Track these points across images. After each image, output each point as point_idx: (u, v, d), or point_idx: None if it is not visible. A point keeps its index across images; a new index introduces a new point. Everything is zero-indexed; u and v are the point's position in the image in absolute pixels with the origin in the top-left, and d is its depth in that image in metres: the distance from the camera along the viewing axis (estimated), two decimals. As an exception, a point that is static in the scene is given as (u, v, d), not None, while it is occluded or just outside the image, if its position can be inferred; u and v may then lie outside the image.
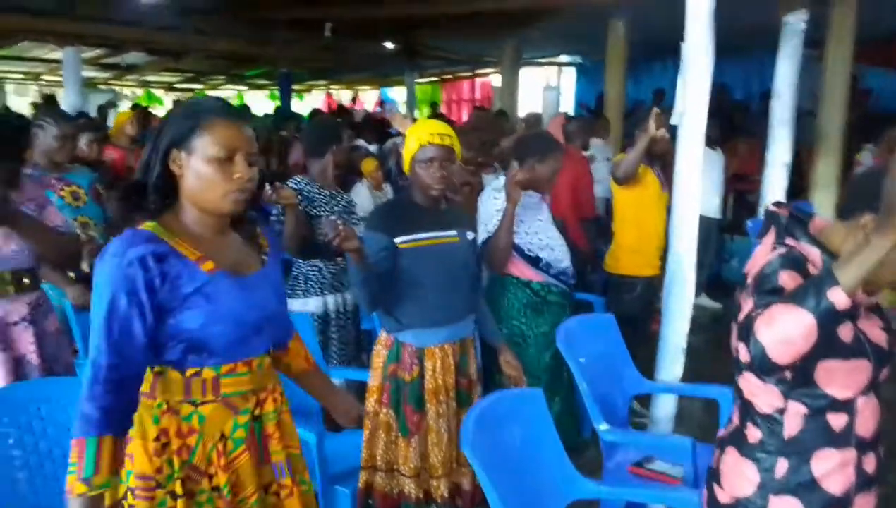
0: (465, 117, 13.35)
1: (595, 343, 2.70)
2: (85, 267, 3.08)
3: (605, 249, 3.76)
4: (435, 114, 10.39)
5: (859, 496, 1.41)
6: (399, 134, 6.49)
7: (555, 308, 2.89)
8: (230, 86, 16.24)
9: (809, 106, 6.16)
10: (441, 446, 2.21)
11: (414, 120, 8.50)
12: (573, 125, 4.60)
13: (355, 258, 2.02)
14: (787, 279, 1.31)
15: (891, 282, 1.37)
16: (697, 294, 5.45)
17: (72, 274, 2.90)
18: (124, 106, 11.31)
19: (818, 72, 5.66)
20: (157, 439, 1.40)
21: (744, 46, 9.57)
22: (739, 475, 1.47)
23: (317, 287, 3.10)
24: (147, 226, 1.39)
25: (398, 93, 15.12)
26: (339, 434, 2.61)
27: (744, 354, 1.24)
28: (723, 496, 1.50)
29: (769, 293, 1.28)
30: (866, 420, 1.40)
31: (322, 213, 3.07)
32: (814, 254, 1.38)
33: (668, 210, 3.17)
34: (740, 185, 6.64)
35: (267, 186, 2.80)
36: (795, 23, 4.80)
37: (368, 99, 17.07)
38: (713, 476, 1.55)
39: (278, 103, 13.10)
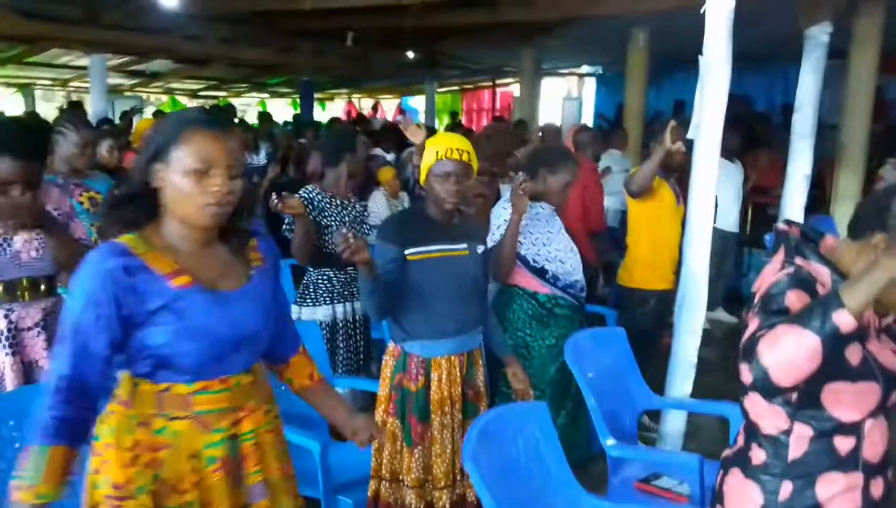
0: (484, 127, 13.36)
1: (604, 357, 2.68)
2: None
3: (620, 262, 3.73)
4: (454, 124, 10.42)
5: None
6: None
7: (562, 321, 2.88)
8: (253, 94, 16.44)
9: (833, 118, 6.08)
10: (445, 457, 2.22)
11: (430, 130, 8.53)
12: (583, 136, 4.58)
13: (364, 269, 2.04)
14: (795, 299, 1.28)
15: None
16: (714, 308, 5.41)
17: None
18: (149, 112, 11.49)
19: (842, 84, 5.58)
20: (129, 449, 1.39)
21: (767, 57, 9.50)
22: (743, 496, 1.44)
23: (326, 296, 3.11)
24: (124, 238, 1.38)
25: (419, 102, 15.18)
26: (346, 444, 2.61)
27: (746, 375, 1.22)
28: (725, 518, 1.48)
29: (775, 313, 1.26)
30: (874, 443, 1.37)
31: (333, 222, 3.08)
32: (823, 273, 1.35)
33: (683, 224, 3.14)
34: (761, 198, 6.55)
35: (274, 196, 2.83)
36: (819, 35, 4.74)
37: (389, 107, 17.16)
38: (717, 497, 1.53)
39: (298, 111, 13.24)
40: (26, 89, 12.73)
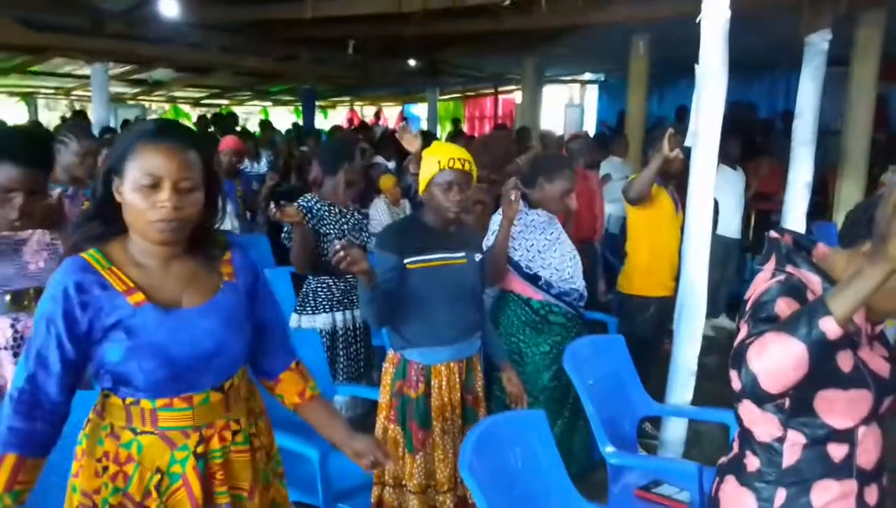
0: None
1: (603, 364, 2.69)
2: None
3: (620, 269, 3.74)
4: (456, 131, 10.44)
5: None
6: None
7: (557, 328, 2.89)
8: (255, 102, 16.49)
9: (835, 125, 6.09)
10: (447, 462, 2.25)
11: (429, 137, 8.55)
12: (576, 143, 4.60)
13: (364, 278, 2.05)
14: (785, 307, 1.29)
15: (890, 311, 1.34)
16: (717, 314, 5.41)
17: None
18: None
19: (844, 91, 5.60)
20: (99, 460, 1.40)
21: (769, 64, 9.52)
22: (738, 504, 1.44)
23: (326, 303, 3.12)
24: (86, 254, 1.38)
25: (421, 110, 15.22)
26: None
27: (735, 382, 1.22)
28: (721, 525, 1.47)
29: (764, 321, 1.27)
30: (868, 450, 1.37)
31: (332, 231, 3.10)
32: (814, 281, 1.35)
33: (683, 231, 3.14)
34: (763, 205, 6.56)
35: (272, 205, 2.85)
36: (819, 42, 4.75)
37: (391, 115, 17.21)
38: (712, 504, 1.53)
39: (299, 118, 13.28)
40: (29, 98, 12.80)
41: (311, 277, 3.16)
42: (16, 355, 2.23)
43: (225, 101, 15.48)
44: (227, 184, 4.67)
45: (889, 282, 1.18)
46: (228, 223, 4.09)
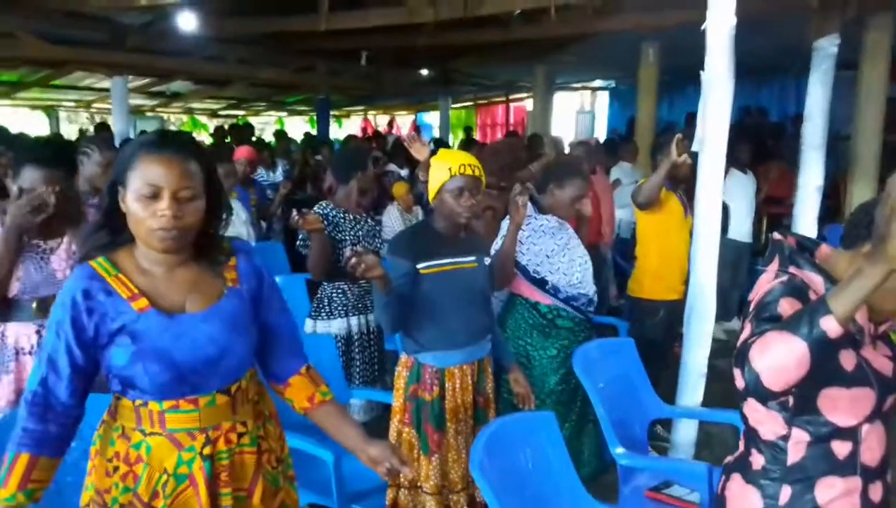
0: (499, 142, 13.41)
1: (613, 367, 2.72)
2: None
3: (631, 273, 3.77)
4: (468, 139, 10.51)
5: None
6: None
7: (564, 332, 2.92)
8: (271, 112, 16.66)
9: (846, 129, 6.08)
10: (461, 462, 2.29)
11: (441, 144, 8.62)
12: (579, 149, 4.64)
13: (379, 285, 2.10)
14: (788, 307, 1.32)
15: (892, 311, 1.38)
16: (728, 318, 5.41)
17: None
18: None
19: (854, 94, 5.59)
20: (110, 460, 1.45)
21: (780, 68, 9.51)
22: (744, 501, 1.48)
23: (341, 309, 3.18)
24: (94, 262, 1.43)
25: (434, 118, 15.31)
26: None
27: (739, 380, 1.26)
28: (727, 522, 1.51)
29: (767, 320, 1.30)
30: (872, 448, 1.40)
31: (347, 237, 3.16)
32: (817, 281, 1.39)
33: (692, 235, 3.17)
34: (774, 209, 6.56)
35: (294, 213, 2.91)
36: (827, 46, 4.77)
37: (404, 123, 17.32)
38: (718, 502, 1.56)
39: (314, 129, 13.41)
40: (51, 111, 13.02)
41: (325, 283, 3.22)
42: None
43: (241, 112, 15.66)
44: (242, 193, 4.76)
45: (889, 282, 1.22)
46: (244, 231, 4.16)
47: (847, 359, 1.35)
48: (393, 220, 4.81)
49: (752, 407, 1.46)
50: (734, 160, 5.22)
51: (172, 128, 14.70)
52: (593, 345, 2.74)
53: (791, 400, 1.38)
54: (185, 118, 15.68)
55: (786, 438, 1.41)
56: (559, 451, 2.08)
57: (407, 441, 2.30)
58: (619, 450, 2.38)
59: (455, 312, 2.28)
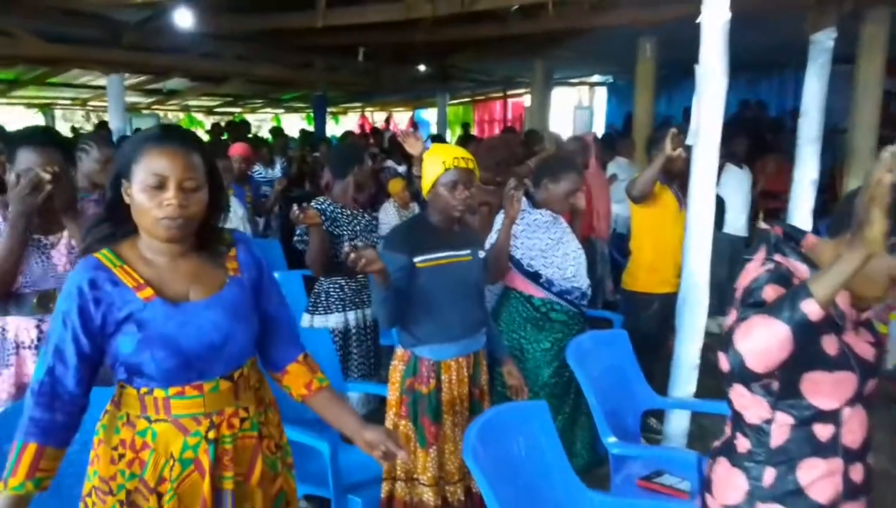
0: (497, 138, 13.41)
1: (606, 358, 2.75)
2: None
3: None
4: (466, 135, 10.53)
5: (846, 504, 1.44)
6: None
7: (558, 325, 2.95)
8: (268, 109, 16.67)
9: (843, 123, 6.10)
10: (457, 454, 2.31)
11: (438, 139, 8.64)
12: (571, 144, 4.67)
13: (378, 279, 2.12)
14: (772, 293, 1.36)
15: (875, 298, 1.40)
16: (723, 311, 5.42)
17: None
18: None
19: (851, 89, 5.62)
20: (115, 448, 1.48)
21: (778, 63, 9.53)
22: (730, 483, 1.51)
23: (338, 303, 3.20)
24: (98, 253, 1.47)
25: (431, 114, 15.33)
26: (355, 447, 2.69)
27: (724, 363, 1.29)
28: (714, 504, 1.54)
29: (751, 306, 1.34)
30: (853, 430, 1.43)
31: (344, 232, 3.19)
32: (801, 269, 1.42)
33: (687, 228, 3.19)
34: (770, 203, 6.58)
35: (294, 207, 2.93)
36: (824, 40, 4.79)
37: (402, 120, 17.34)
38: (706, 485, 1.59)
39: (311, 125, 13.43)
40: (46, 109, 13.02)
41: (323, 278, 3.25)
42: None
43: (238, 109, 15.67)
44: (238, 190, 4.78)
45: (868, 268, 1.26)
46: (240, 227, 4.19)
47: (829, 344, 1.38)
48: (389, 217, 4.83)
49: (737, 392, 1.49)
50: (730, 154, 5.24)
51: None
52: (586, 337, 2.77)
53: (775, 384, 1.41)
54: (181, 115, 15.68)
55: (770, 422, 1.44)
56: (552, 440, 2.11)
57: (404, 434, 2.31)
58: (611, 439, 2.41)
59: (451, 305, 2.30)
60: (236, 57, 8.99)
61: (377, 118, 17.92)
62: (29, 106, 12.37)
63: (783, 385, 1.40)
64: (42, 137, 2.33)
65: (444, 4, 5.94)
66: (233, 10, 7.02)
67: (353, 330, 3.24)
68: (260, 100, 15.00)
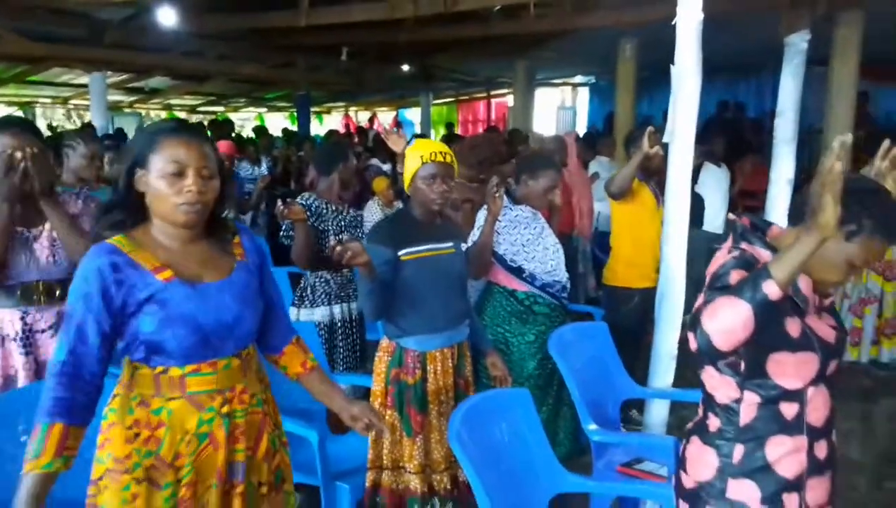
0: (480, 137, 13.49)
1: (587, 350, 2.82)
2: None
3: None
4: (450, 135, 10.60)
5: (812, 479, 1.52)
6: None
7: (541, 318, 3.01)
8: (251, 109, 16.63)
9: (819, 124, 6.24)
10: (443, 443, 2.35)
11: (410, 138, 8.70)
12: (551, 143, 4.78)
13: (364, 271, 2.17)
14: (737, 278, 1.44)
15: (834, 282, 1.49)
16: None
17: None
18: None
19: (826, 90, 5.75)
20: (129, 428, 1.54)
21: (756, 65, 9.70)
22: (702, 460, 1.59)
23: (324, 297, 3.25)
24: (113, 239, 1.54)
25: (415, 114, 15.38)
26: (343, 436, 2.75)
27: (692, 343, 1.37)
28: (687, 480, 1.62)
29: (718, 289, 1.41)
30: (817, 409, 1.51)
31: (329, 228, 3.24)
32: (766, 256, 1.50)
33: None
34: (748, 202, 6.70)
35: (279, 203, 2.98)
36: (798, 42, 4.91)
37: (386, 119, 17.37)
38: (680, 463, 1.67)
39: (295, 125, 13.44)
40: (27, 107, 12.91)
41: (308, 273, 3.30)
42: (25, 346, 2.34)
43: (221, 108, 15.62)
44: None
45: (826, 253, 1.35)
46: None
47: (792, 327, 1.46)
48: (374, 215, 4.85)
49: (708, 374, 1.57)
50: (709, 154, 5.35)
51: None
52: (568, 329, 2.84)
53: (742, 365, 1.49)
54: (163, 114, 15.58)
55: (738, 401, 1.52)
56: (534, 427, 2.18)
57: (390, 424, 2.35)
58: (592, 426, 2.49)
59: (435, 297, 2.35)
60: (219, 56, 9.00)
61: (361, 117, 17.95)
62: (9, 104, 12.26)
63: (750, 365, 1.48)
64: (16, 122, 2.38)
65: (427, 4, 6.00)
66: (216, 9, 7.04)
67: (339, 324, 3.29)
68: (243, 99, 14.96)
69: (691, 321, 1.38)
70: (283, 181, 7.34)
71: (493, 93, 13.85)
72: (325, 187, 3.35)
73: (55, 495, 1.52)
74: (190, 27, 6.90)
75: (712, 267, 1.51)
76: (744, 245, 1.52)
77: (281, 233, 3.25)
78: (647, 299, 3.56)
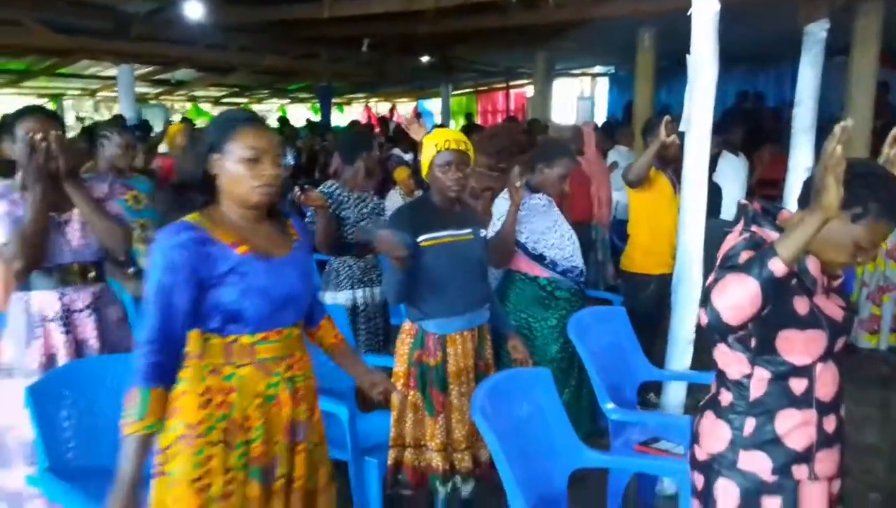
0: (499, 128, 13.52)
1: (605, 333, 2.90)
2: (142, 263, 3.40)
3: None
4: (469, 125, 10.67)
5: (821, 452, 1.60)
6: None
7: (562, 303, 3.09)
8: (273, 100, 16.76)
9: (839, 114, 6.23)
10: (464, 423, 2.43)
11: (429, 128, 8.79)
12: (567, 132, 4.84)
13: (398, 263, 2.29)
14: (746, 257, 1.52)
15: (841, 263, 1.56)
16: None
17: (132, 271, 3.22)
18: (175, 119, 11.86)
19: (846, 79, 5.74)
20: (202, 394, 1.66)
21: (776, 55, 9.64)
22: (714, 434, 1.67)
23: (347, 281, 3.36)
24: (191, 217, 1.67)
25: (434, 105, 15.44)
26: (370, 414, 2.87)
27: (703, 318, 1.45)
28: (700, 453, 1.70)
29: (728, 269, 1.49)
30: (825, 384, 1.59)
31: (351, 215, 3.34)
32: (775, 238, 1.57)
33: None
34: (767, 191, 6.71)
35: (296, 189, 3.08)
36: (817, 31, 4.91)
37: (406, 110, 17.44)
38: (694, 437, 1.75)
39: (318, 116, 13.56)
40: (56, 99, 13.15)
41: (332, 258, 3.41)
42: (65, 325, 2.43)
43: (244, 100, 15.76)
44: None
45: (832, 234, 1.43)
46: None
47: (800, 305, 1.54)
48: (395, 204, 4.96)
49: (720, 351, 1.65)
50: (726, 143, 5.38)
51: (177, 116, 14.86)
52: (586, 313, 2.92)
53: (753, 341, 1.57)
54: (188, 106, 15.79)
55: (749, 376, 1.60)
56: (554, 404, 2.27)
57: (412, 404, 2.44)
58: (610, 405, 2.57)
59: (454, 282, 2.42)
60: (242, 48, 9.12)
61: (381, 109, 18.03)
62: (39, 96, 12.49)
63: (760, 342, 1.56)
64: (36, 110, 2.47)
65: (448, -5, 6.06)
66: (240, 2, 7.14)
67: (362, 307, 3.39)
68: (266, 91, 15.11)
69: (702, 298, 1.47)
70: (307, 171, 7.46)
71: (512, 83, 13.86)
72: (349, 176, 3.45)
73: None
74: (215, 19, 7.02)
75: (724, 249, 1.59)
76: (754, 228, 1.60)
77: (306, 219, 3.35)
78: (663, 285, 3.61)
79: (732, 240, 1.60)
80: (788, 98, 9.55)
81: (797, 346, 1.55)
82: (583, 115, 11.14)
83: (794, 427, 1.58)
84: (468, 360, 2.49)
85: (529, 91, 12.24)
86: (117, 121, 6.85)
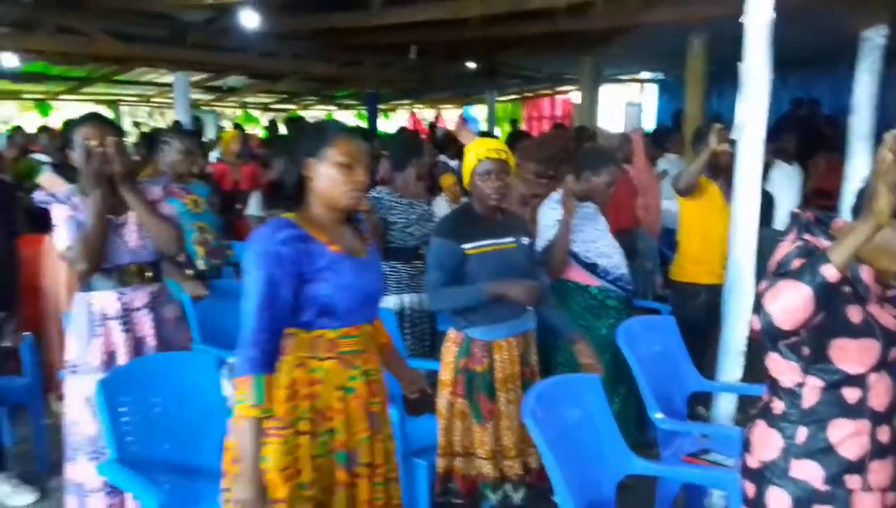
0: (545, 134, 13.48)
1: (655, 342, 2.88)
2: (200, 264, 3.52)
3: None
4: (515, 131, 10.67)
5: (874, 462, 1.58)
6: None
7: (613, 312, 3.10)
8: (321, 106, 17.05)
9: (898, 121, 6.04)
10: (513, 430, 2.43)
11: (487, 136, 8.81)
12: (614, 140, 4.80)
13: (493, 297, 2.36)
14: (798, 265, 1.51)
15: (893, 272, 1.55)
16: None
17: (191, 272, 3.33)
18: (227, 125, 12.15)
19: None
20: (288, 387, 1.76)
21: (832, 61, 9.39)
22: (767, 442, 1.66)
23: (394, 286, 3.42)
24: (288, 215, 1.79)
25: (479, 111, 15.48)
26: (417, 419, 2.90)
27: (756, 323, 1.46)
28: (752, 461, 1.69)
29: (780, 276, 1.49)
30: (879, 394, 1.57)
31: (399, 220, 3.40)
32: (827, 246, 1.57)
33: (733, 220, 3.29)
34: (823, 201, 6.55)
35: None
36: (875, 37, 4.80)
37: (450, 117, 17.53)
38: (745, 445, 1.75)
39: (365, 122, 13.74)
40: (113, 105, 13.63)
41: (382, 262, 3.46)
42: (125, 324, 2.51)
43: (292, 106, 16.08)
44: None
45: (885, 242, 1.42)
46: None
47: (854, 313, 1.53)
48: (442, 210, 5.00)
49: (773, 359, 1.65)
50: (780, 151, 5.27)
51: (227, 121, 15.24)
52: (635, 321, 2.91)
53: (806, 350, 1.56)
54: (238, 112, 16.17)
55: (802, 385, 1.60)
56: (604, 411, 2.27)
57: (460, 412, 2.45)
58: (658, 415, 2.56)
59: None
60: (292, 55, 9.33)
61: (426, 115, 18.16)
62: (98, 102, 12.96)
63: (813, 350, 1.55)
64: (93, 117, 2.58)
65: (495, 2, 6.08)
66: (290, 11, 7.31)
67: (408, 312, 3.45)
68: (314, 98, 15.38)
69: (755, 304, 1.47)
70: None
71: (558, 89, 13.81)
72: (401, 182, 3.51)
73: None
74: (266, 28, 7.20)
75: (776, 257, 1.59)
76: (807, 236, 1.60)
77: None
78: (713, 295, 3.56)
79: (785, 248, 1.60)
80: (845, 105, 9.31)
81: (850, 355, 1.53)
82: (631, 122, 11.03)
83: (847, 437, 1.57)
84: (515, 367, 2.49)
85: (576, 97, 12.17)
86: (176, 127, 7.08)
